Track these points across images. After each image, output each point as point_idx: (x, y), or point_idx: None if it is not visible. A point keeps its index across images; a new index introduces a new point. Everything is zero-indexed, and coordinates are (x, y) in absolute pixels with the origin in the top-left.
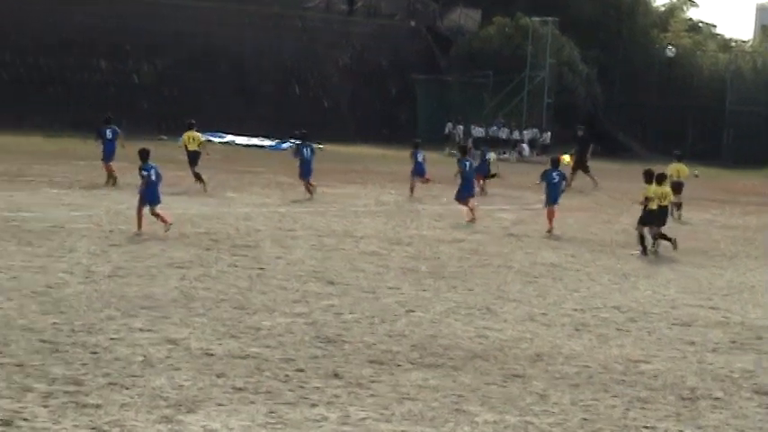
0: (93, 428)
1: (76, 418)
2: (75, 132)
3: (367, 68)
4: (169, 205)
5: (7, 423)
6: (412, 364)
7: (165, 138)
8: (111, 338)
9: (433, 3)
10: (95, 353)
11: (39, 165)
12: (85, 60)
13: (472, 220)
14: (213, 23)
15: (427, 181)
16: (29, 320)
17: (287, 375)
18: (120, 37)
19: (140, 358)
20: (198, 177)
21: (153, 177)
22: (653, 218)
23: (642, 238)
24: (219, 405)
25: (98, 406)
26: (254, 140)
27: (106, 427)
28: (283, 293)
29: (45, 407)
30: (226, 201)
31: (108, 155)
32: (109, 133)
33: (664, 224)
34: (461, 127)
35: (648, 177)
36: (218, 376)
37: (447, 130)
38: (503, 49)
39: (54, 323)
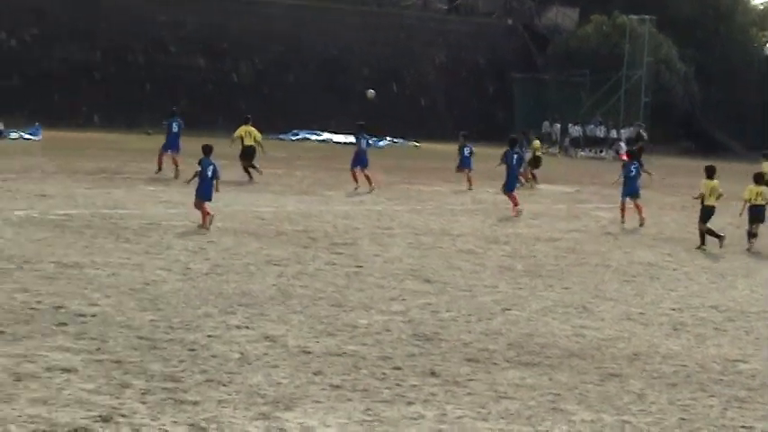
0: (191, 425)
1: (175, 414)
2: None
3: (464, 67)
4: (267, 203)
5: (107, 419)
6: (508, 362)
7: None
8: (209, 335)
9: (530, 1)
10: (193, 350)
11: (136, 162)
12: (183, 59)
13: (518, 214)
14: (310, 22)
15: (462, 172)
16: (127, 317)
17: (384, 373)
18: (217, 35)
19: (237, 355)
20: (248, 169)
21: (209, 173)
22: (710, 213)
23: (711, 233)
24: (316, 402)
25: (196, 402)
26: (351, 138)
27: (204, 424)
28: (380, 291)
29: (143, 403)
30: (323, 198)
31: (168, 145)
32: (175, 126)
33: (762, 221)
34: (558, 125)
35: (709, 173)
36: (316, 374)
37: (544, 129)
38: (600, 48)
39: (152, 320)
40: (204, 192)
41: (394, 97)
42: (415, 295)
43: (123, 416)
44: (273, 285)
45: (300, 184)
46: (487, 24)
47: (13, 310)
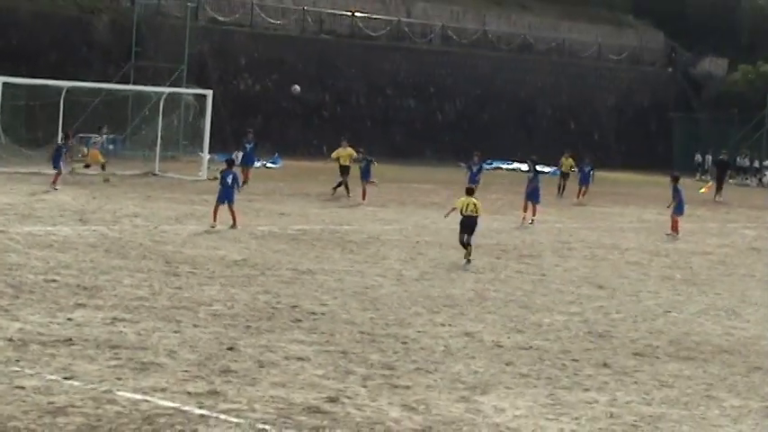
0: (403, 405)
1: (390, 396)
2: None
3: (630, 108)
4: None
5: (333, 400)
6: (669, 356)
7: (463, 165)
8: (418, 331)
9: (687, 52)
10: (405, 343)
11: (351, 185)
12: (397, 101)
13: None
14: (505, 69)
15: None
16: (350, 315)
17: (564, 364)
18: (425, 80)
19: (442, 348)
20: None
21: (229, 182)
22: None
23: None
24: (507, 388)
25: (408, 387)
26: (545, 168)
27: (414, 405)
28: (560, 296)
29: (364, 387)
30: (514, 217)
31: (244, 160)
32: (248, 147)
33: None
34: (709, 157)
35: None
36: (507, 364)
37: (696, 160)
38: (746, 92)
39: (371, 318)
40: (228, 196)
41: (571, 132)
42: (589, 299)
43: (348, 397)
44: (471, 290)
45: (493, 205)
46: (651, 72)
47: (257, 308)
